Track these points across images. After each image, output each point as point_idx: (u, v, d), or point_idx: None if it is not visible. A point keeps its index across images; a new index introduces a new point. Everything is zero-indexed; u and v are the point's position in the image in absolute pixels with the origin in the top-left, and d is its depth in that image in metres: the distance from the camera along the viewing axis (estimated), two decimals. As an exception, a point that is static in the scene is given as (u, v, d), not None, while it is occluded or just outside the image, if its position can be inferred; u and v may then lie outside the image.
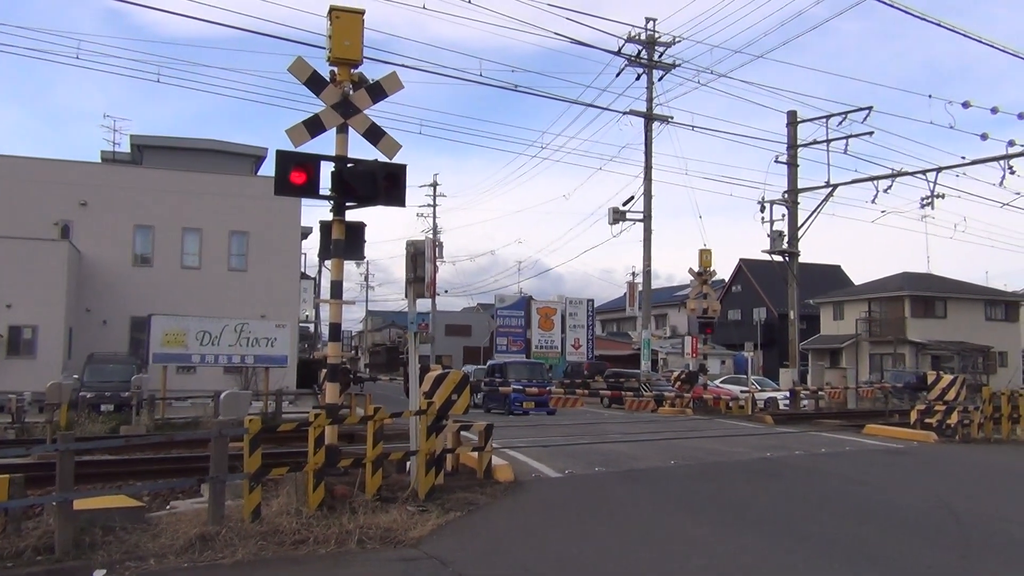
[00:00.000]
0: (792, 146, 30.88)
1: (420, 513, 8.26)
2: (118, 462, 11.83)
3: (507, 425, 18.76)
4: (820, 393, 28.71)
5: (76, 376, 23.65)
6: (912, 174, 28.84)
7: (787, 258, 30.70)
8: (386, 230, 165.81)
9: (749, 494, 10.21)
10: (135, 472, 11.23)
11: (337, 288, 9.94)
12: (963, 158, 28.45)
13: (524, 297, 50.91)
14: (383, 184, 9.40)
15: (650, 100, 31.83)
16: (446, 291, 74.17)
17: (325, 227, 9.75)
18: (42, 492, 8.50)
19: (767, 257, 32.07)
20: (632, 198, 32.35)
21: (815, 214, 30.72)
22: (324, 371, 13.05)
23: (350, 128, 9.61)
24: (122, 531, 7.21)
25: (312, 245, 48.47)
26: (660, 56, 31.12)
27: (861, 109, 28.90)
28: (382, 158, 9.73)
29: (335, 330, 10.11)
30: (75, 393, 20.13)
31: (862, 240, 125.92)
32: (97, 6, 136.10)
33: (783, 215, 30.67)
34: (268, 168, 35.80)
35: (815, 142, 30.35)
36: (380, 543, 7.28)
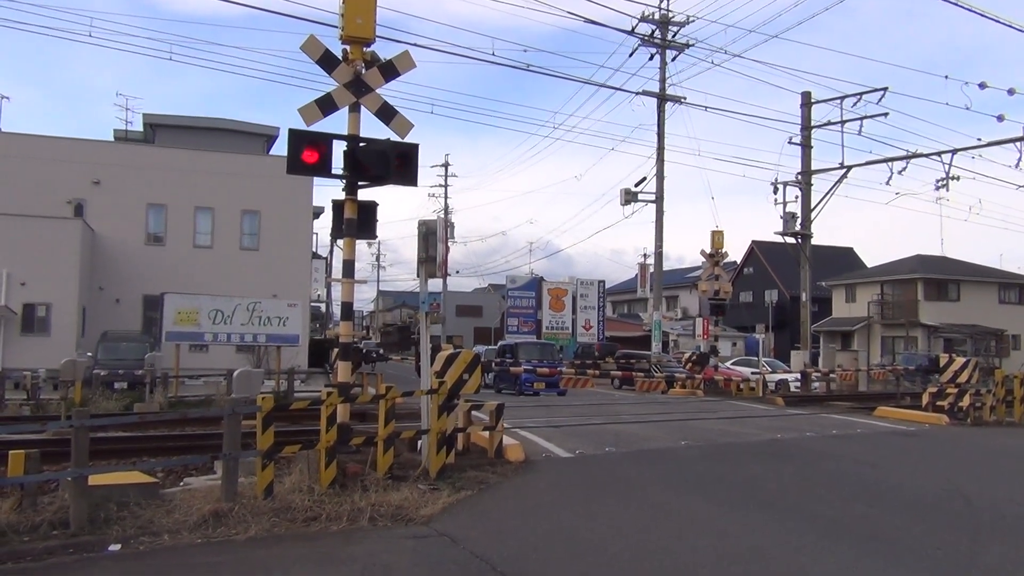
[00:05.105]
0: (806, 127, 30.63)
1: (431, 491, 8.31)
2: (132, 439, 11.92)
3: (518, 405, 18.81)
4: (831, 375, 28.65)
5: (90, 354, 23.84)
6: (927, 156, 28.65)
7: (800, 240, 30.53)
8: (398, 210, 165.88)
9: (759, 475, 10.22)
10: (149, 449, 11.31)
11: (349, 267, 9.96)
12: (979, 140, 28.23)
13: (535, 278, 50.94)
14: (395, 163, 9.40)
15: (663, 80, 31.68)
16: (457, 271, 74.38)
17: (337, 206, 9.77)
18: (57, 468, 8.56)
19: (779, 239, 31.90)
20: (644, 179, 32.35)
21: (828, 196, 30.59)
22: (336, 349, 13.11)
23: (362, 107, 9.61)
24: (136, 507, 7.27)
25: (324, 224, 48.66)
26: (674, 36, 30.93)
27: (876, 90, 28.65)
28: (394, 137, 9.72)
29: (347, 309, 10.14)
30: (89, 371, 20.30)
31: (875, 222, 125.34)
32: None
33: (796, 197, 30.51)
34: (280, 147, 35.85)
35: (829, 123, 30.13)
36: (391, 521, 7.33)
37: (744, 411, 18.89)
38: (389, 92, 9.97)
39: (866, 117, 28.93)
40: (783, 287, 51.48)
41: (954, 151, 28.20)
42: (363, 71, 9.55)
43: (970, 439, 14.66)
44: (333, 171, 9.54)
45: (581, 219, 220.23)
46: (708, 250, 28.81)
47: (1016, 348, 45.06)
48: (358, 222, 9.65)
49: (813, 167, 30.75)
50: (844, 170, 29.91)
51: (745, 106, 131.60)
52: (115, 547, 6.46)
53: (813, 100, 30.74)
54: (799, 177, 30.58)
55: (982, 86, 26.63)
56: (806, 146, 30.55)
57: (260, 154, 35.06)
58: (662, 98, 31.63)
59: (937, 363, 20.93)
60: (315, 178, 25.91)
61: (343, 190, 9.63)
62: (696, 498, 8.67)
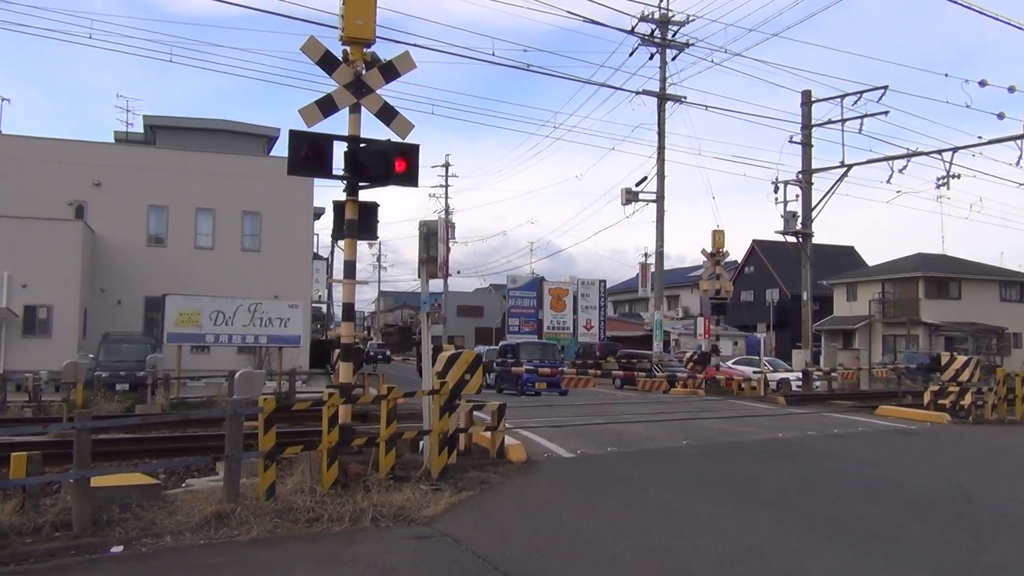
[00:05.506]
0: (807, 126, 30.63)
1: (433, 492, 8.31)
2: (134, 440, 11.93)
3: (519, 405, 18.81)
4: (833, 374, 28.64)
5: (91, 356, 23.85)
6: (928, 154, 28.66)
7: (800, 239, 30.54)
8: (398, 210, 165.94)
9: (760, 474, 10.22)
10: (151, 450, 11.31)
11: (350, 268, 9.97)
12: (979, 138, 28.23)
13: (536, 278, 50.94)
14: (396, 164, 9.40)
15: (663, 80, 31.63)
16: (458, 272, 74.40)
17: (338, 207, 9.77)
18: (60, 469, 8.56)
19: (780, 238, 31.92)
20: (645, 178, 32.28)
21: (829, 194, 30.64)
22: (338, 350, 13.11)
23: (363, 108, 9.61)
24: (138, 508, 7.28)
25: (325, 225, 48.65)
26: (674, 35, 30.88)
27: (876, 88, 28.66)
28: (395, 138, 9.73)
29: (348, 310, 10.14)
30: (91, 372, 20.32)
31: (876, 221, 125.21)
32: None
33: (797, 196, 30.54)
34: (281, 148, 35.84)
35: (830, 122, 30.13)
36: (393, 521, 7.34)
37: (745, 410, 18.88)
38: (389, 93, 9.99)
39: (866, 115, 28.94)
40: (784, 286, 51.45)
41: (955, 149, 28.21)
42: (363, 72, 9.56)
43: (972, 438, 14.65)
44: (334, 172, 9.55)
45: (582, 219, 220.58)
46: (709, 249, 28.80)
47: (1017, 346, 45.00)
48: (359, 223, 9.65)
49: (814, 166, 30.76)
50: (845, 169, 29.95)
51: (745, 105, 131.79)
52: (117, 549, 6.47)
53: (813, 99, 30.73)
54: (800, 176, 30.58)
55: (982, 84, 26.64)
56: (806, 145, 30.55)
57: (261, 155, 35.07)
58: (662, 97, 31.60)
59: (938, 361, 20.92)
60: (316, 179, 25.99)
61: (344, 191, 9.63)
62: (697, 498, 8.68)
